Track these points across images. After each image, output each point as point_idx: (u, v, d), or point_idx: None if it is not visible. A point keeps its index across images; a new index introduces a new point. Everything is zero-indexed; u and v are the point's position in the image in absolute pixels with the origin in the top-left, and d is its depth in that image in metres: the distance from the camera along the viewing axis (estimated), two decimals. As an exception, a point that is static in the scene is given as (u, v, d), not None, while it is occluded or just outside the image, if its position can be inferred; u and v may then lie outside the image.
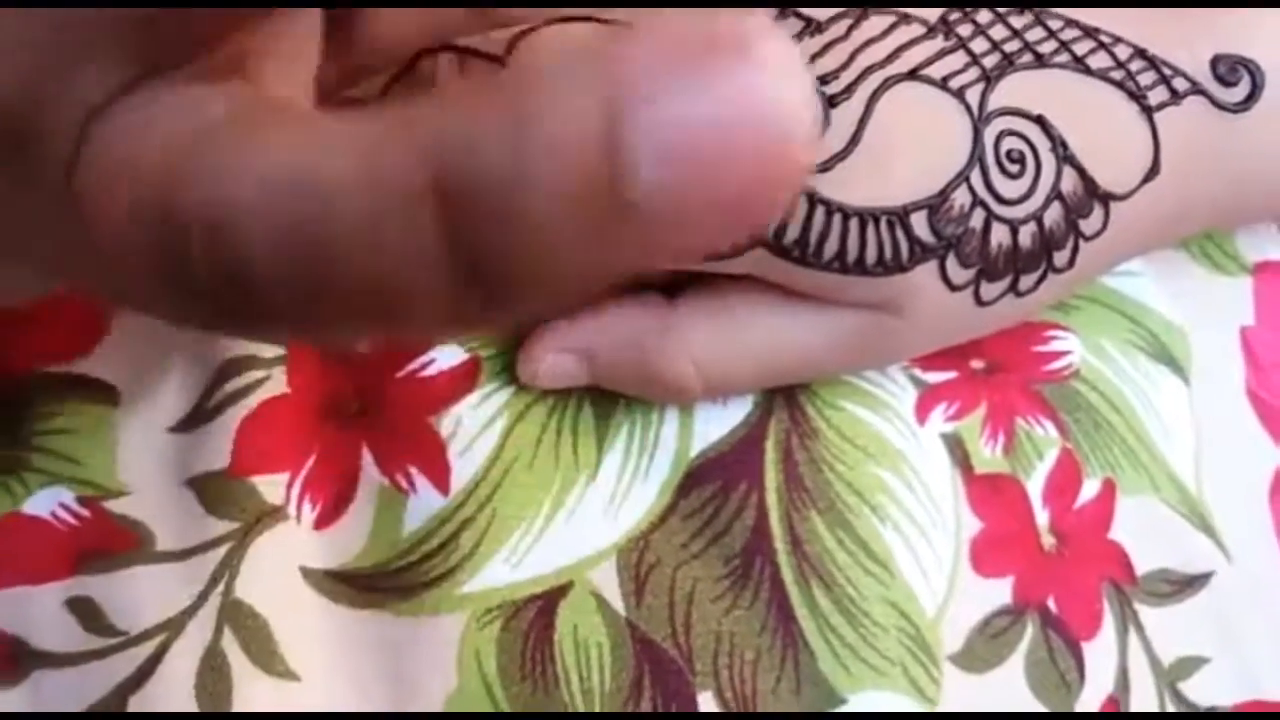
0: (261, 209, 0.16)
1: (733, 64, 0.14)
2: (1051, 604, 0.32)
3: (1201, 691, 0.33)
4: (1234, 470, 0.35)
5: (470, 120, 0.15)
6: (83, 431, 0.30)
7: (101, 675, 0.29)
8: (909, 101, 0.28)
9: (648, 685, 0.29)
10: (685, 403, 0.31)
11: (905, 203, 0.27)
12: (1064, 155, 0.29)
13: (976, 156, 0.28)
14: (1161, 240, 0.33)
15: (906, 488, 0.31)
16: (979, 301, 0.29)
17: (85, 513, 0.29)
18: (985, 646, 0.31)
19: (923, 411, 0.32)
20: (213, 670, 0.28)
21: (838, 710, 0.29)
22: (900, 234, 0.27)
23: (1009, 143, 0.28)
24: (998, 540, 0.32)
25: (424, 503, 0.29)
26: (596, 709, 0.29)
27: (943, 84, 0.28)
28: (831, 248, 0.27)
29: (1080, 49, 0.29)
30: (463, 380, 0.30)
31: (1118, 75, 0.30)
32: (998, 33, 0.29)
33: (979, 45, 0.29)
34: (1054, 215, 0.29)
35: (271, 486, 0.30)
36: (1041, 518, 0.32)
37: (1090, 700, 0.32)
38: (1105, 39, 0.30)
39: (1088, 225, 0.29)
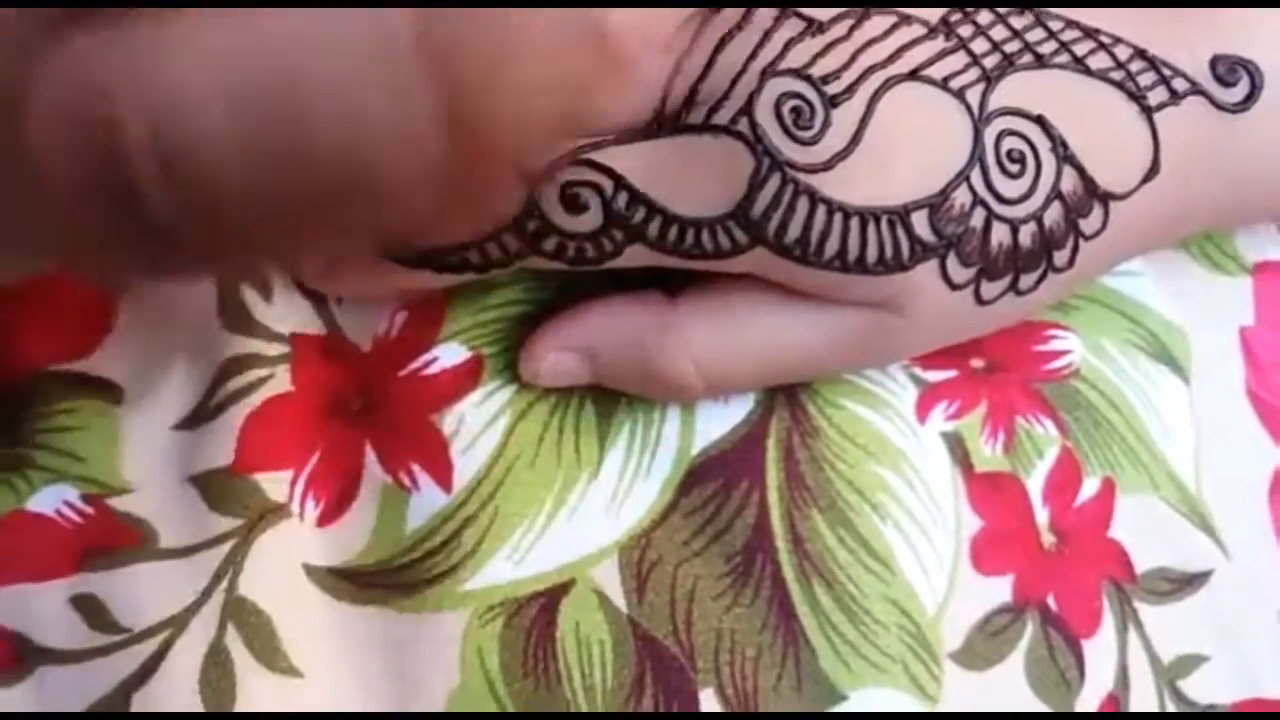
0: (216, 96, 0.15)
1: None
2: (1051, 602, 0.32)
3: (1201, 690, 0.33)
4: (1233, 469, 0.35)
5: None
6: (86, 429, 0.30)
7: (105, 672, 0.29)
8: (910, 101, 0.28)
9: (649, 682, 0.29)
10: (687, 401, 0.31)
11: (906, 202, 0.27)
12: (1064, 155, 0.29)
13: (977, 156, 0.28)
14: (1161, 240, 0.33)
15: (907, 486, 0.31)
16: (979, 300, 0.29)
17: (89, 510, 0.30)
18: (985, 644, 0.31)
19: (923, 410, 0.32)
20: (216, 667, 0.29)
21: (839, 707, 0.29)
22: (901, 233, 0.28)
23: (1009, 143, 0.28)
24: (998, 538, 0.32)
25: (427, 500, 0.30)
26: (598, 706, 0.29)
27: (943, 84, 0.28)
28: (832, 246, 0.27)
29: (1080, 49, 0.30)
30: (465, 378, 0.30)
31: (1117, 75, 0.30)
32: (998, 33, 0.29)
33: (979, 46, 0.29)
34: (1054, 215, 0.29)
35: (275, 484, 0.30)
36: (1041, 516, 0.32)
37: (1090, 698, 0.32)
38: (1105, 39, 0.30)
39: (1087, 225, 0.29)
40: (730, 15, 0.28)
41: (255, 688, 0.29)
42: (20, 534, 0.30)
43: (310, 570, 0.30)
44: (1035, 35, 0.29)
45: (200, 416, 0.30)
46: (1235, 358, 0.36)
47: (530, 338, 0.30)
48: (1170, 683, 0.33)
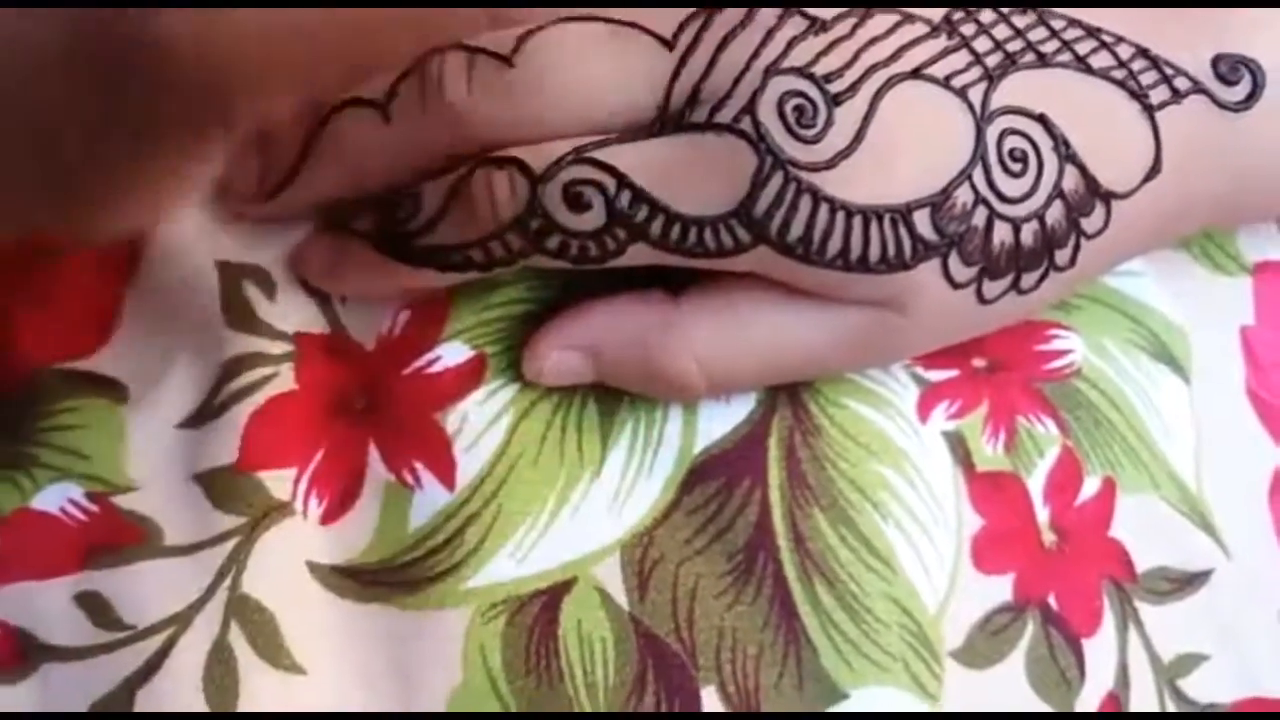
0: None
1: None
2: (1052, 601, 0.32)
3: (1201, 689, 0.33)
4: (1234, 469, 0.35)
5: None
6: (91, 427, 0.30)
7: (109, 669, 0.29)
8: (912, 100, 0.28)
9: (651, 680, 0.29)
10: (689, 400, 0.31)
11: (908, 200, 0.28)
12: (1066, 154, 0.29)
13: (979, 155, 0.28)
14: (1163, 238, 0.33)
15: (908, 485, 0.31)
16: (981, 299, 0.29)
17: (93, 508, 0.30)
18: (986, 643, 0.31)
19: (925, 409, 0.32)
20: (220, 664, 0.29)
21: (840, 705, 0.30)
22: (903, 232, 0.28)
23: (1011, 141, 0.28)
24: (999, 537, 0.32)
25: (430, 498, 0.30)
26: (600, 703, 0.29)
27: (946, 83, 0.28)
28: (835, 245, 0.27)
29: (1082, 48, 0.30)
30: (468, 377, 0.30)
31: (1119, 74, 0.30)
32: (1000, 32, 0.29)
33: (982, 44, 0.29)
34: (1056, 213, 0.29)
35: (279, 482, 0.30)
36: (1042, 515, 0.32)
37: (1090, 697, 0.32)
38: (1107, 38, 0.30)
39: (1089, 224, 0.29)
40: (733, 14, 0.28)
41: (258, 685, 0.29)
42: (25, 532, 0.30)
43: (314, 568, 0.30)
44: (1037, 34, 0.29)
45: (204, 415, 0.30)
46: (1236, 357, 0.36)
47: (533, 336, 0.30)
48: (1170, 682, 0.33)
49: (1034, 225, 0.29)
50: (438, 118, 0.28)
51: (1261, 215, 0.35)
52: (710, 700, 0.29)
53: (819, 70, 0.27)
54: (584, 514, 0.30)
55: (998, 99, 0.28)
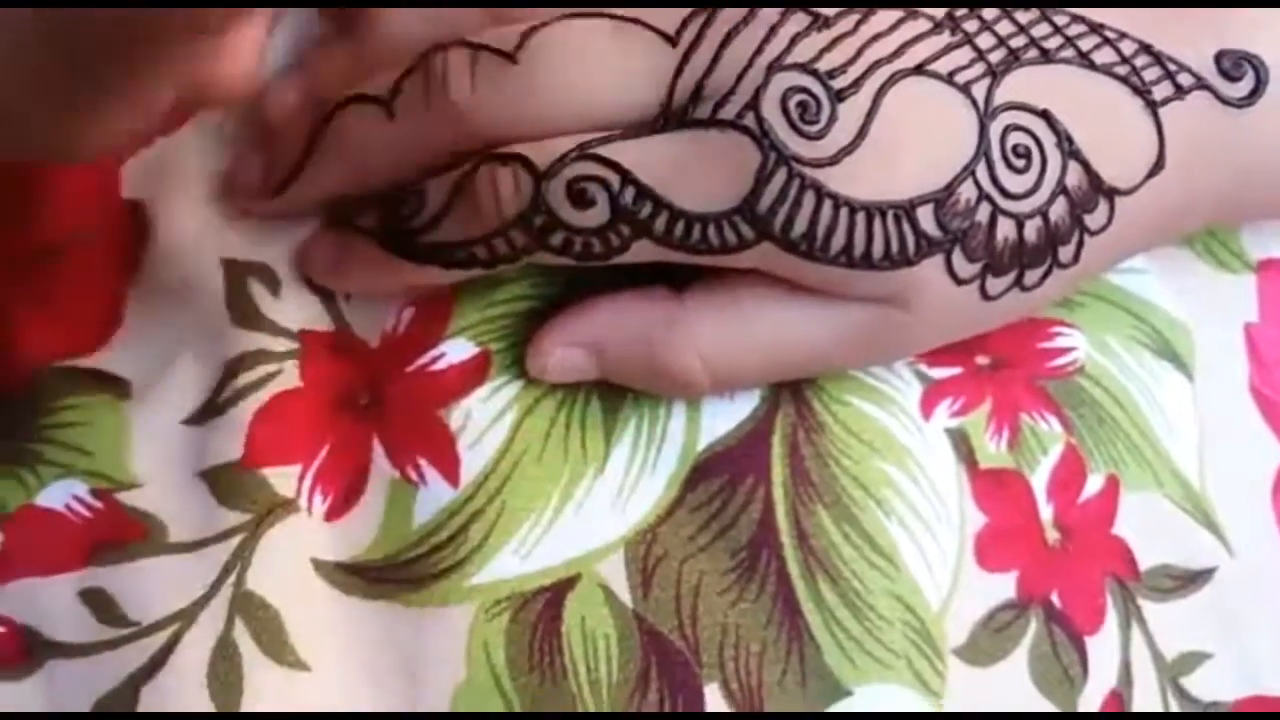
0: None
1: None
2: (1055, 598, 0.32)
3: (1204, 686, 0.33)
4: (1237, 466, 0.35)
5: None
6: (95, 424, 0.30)
7: (114, 665, 0.29)
8: (916, 96, 0.28)
9: (654, 676, 0.29)
10: (692, 397, 0.31)
11: (911, 196, 0.28)
12: (1069, 150, 0.29)
13: (982, 151, 0.28)
14: (1166, 234, 0.33)
15: (912, 482, 0.31)
16: (985, 296, 0.29)
17: (98, 505, 0.30)
18: (989, 640, 0.31)
19: (928, 407, 0.32)
20: (224, 660, 0.29)
21: (843, 703, 0.30)
22: (906, 228, 0.28)
23: (1015, 137, 0.28)
24: (1002, 535, 0.32)
25: (434, 495, 0.30)
26: (603, 700, 0.29)
27: (949, 79, 0.28)
28: (838, 241, 0.27)
29: (1085, 45, 0.30)
30: (473, 374, 0.30)
31: (1123, 70, 0.30)
32: (1004, 28, 0.29)
33: (985, 41, 0.29)
34: (1059, 210, 0.29)
35: (283, 479, 0.30)
36: (1045, 513, 0.32)
37: (1093, 695, 0.32)
38: (1110, 35, 0.30)
39: (1093, 220, 0.29)
40: (736, 10, 0.28)
41: (262, 681, 0.29)
42: (30, 528, 0.30)
43: (318, 564, 0.30)
44: (1040, 30, 0.29)
45: (209, 412, 0.30)
46: (1239, 354, 0.36)
47: (537, 333, 0.30)
48: (1173, 680, 0.33)
49: (1037, 221, 0.29)
50: (442, 114, 0.28)
51: (1265, 211, 0.35)
52: (713, 697, 0.29)
53: (822, 66, 0.27)
54: (588, 511, 0.30)
55: (1001, 95, 0.28)
